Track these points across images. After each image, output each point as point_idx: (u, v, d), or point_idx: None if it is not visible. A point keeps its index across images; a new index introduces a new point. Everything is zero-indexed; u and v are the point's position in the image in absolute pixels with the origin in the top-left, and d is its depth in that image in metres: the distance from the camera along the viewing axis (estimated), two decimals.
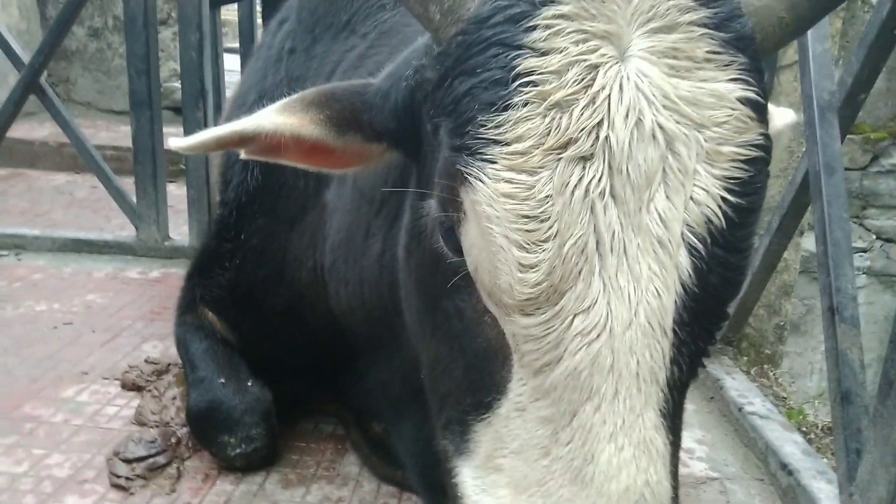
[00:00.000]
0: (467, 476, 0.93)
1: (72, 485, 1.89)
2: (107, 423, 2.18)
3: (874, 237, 6.05)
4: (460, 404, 0.95)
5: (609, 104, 0.82)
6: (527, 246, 0.81)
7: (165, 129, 3.61)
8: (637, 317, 0.81)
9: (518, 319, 0.84)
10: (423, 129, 1.02)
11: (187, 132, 3.54)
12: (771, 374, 2.80)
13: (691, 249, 0.84)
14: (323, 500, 1.93)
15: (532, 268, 0.81)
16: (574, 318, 0.81)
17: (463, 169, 0.84)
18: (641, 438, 0.80)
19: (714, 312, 0.89)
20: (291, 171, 1.84)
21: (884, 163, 5.94)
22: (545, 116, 0.82)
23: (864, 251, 6.19)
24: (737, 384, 2.50)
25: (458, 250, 0.91)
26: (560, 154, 0.81)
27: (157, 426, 2.12)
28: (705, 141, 0.84)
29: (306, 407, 2.34)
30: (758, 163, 0.87)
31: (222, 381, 1.99)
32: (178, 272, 3.03)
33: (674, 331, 0.84)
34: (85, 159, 3.62)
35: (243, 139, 1.07)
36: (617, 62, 0.84)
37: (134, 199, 3.53)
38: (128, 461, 1.96)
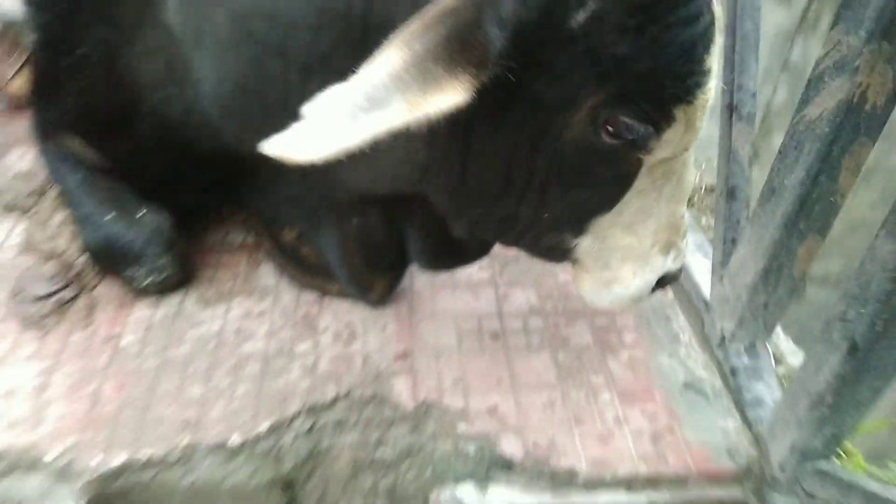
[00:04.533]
0: (589, 239, 1.37)
1: None
2: None
3: None
4: (585, 211, 1.33)
5: None
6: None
7: None
8: None
9: (681, 156, 1.29)
10: (546, 52, 1.11)
11: None
12: None
13: None
14: (245, 315, 1.99)
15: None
16: None
17: (687, 97, 1.15)
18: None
19: None
20: None
21: None
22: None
23: None
24: None
25: (627, 140, 1.19)
26: None
27: (53, 257, 2.03)
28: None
29: (212, 216, 2.28)
30: None
31: (111, 215, 1.86)
32: None
33: None
34: None
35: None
36: None
37: None
38: (35, 300, 1.91)
